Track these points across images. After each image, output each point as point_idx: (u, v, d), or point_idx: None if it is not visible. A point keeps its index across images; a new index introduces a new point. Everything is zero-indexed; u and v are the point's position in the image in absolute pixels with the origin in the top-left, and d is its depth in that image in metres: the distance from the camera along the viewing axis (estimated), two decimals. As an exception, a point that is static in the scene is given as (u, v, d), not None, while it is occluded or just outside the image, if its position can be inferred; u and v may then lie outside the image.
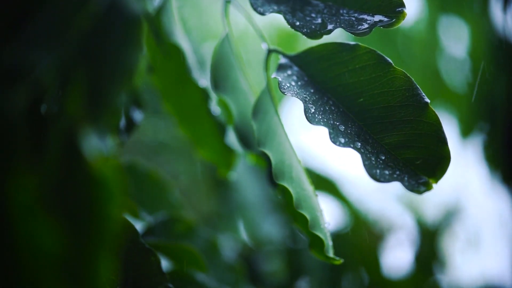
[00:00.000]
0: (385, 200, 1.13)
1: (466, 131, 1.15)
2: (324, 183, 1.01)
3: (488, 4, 1.09)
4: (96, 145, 0.29)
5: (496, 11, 1.07)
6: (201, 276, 0.57)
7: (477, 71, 1.12)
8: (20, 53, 0.28)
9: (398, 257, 1.05)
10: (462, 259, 1.11)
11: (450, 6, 1.13)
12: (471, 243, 1.14)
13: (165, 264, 0.56)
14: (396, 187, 1.08)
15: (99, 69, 0.30)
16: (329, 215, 0.99)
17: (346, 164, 1.04)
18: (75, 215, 0.27)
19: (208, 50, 0.97)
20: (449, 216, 1.10)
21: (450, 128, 1.15)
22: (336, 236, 0.98)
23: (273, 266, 0.93)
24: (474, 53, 1.13)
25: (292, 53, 0.49)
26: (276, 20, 1.13)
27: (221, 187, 0.93)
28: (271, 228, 0.90)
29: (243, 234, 0.94)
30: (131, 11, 0.30)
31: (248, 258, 0.91)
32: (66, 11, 0.29)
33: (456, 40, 1.16)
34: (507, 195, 1.09)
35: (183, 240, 0.59)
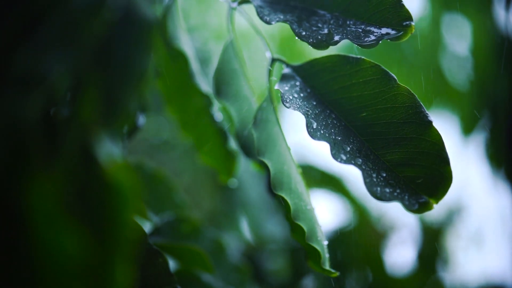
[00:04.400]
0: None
1: (468, 129, 1.15)
2: (329, 180, 1.00)
3: (491, 2, 1.09)
4: (110, 150, 0.29)
5: (499, 9, 1.07)
6: (207, 277, 0.57)
7: (479, 69, 1.12)
8: (34, 59, 0.28)
9: (401, 255, 1.05)
10: (465, 257, 1.11)
11: (453, 4, 1.13)
12: (473, 241, 1.14)
13: (171, 264, 0.56)
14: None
15: (112, 74, 0.30)
16: (333, 212, 0.99)
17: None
18: (91, 220, 0.27)
19: (214, 47, 0.97)
20: (452, 214, 1.10)
21: (452, 126, 1.15)
22: (340, 234, 0.98)
23: (276, 265, 0.93)
24: (476, 51, 1.13)
25: (296, 63, 0.48)
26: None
27: (224, 185, 0.93)
28: (275, 227, 0.90)
29: (247, 233, 0.94)
30: (143, 16, 0.31)
31: (252, 256, 0.91)
32: (80, 17, 0.29)
33: (459, 38, 1.16)
34: (509, 193, 1.09)
35: (189, 240, 0.59)
